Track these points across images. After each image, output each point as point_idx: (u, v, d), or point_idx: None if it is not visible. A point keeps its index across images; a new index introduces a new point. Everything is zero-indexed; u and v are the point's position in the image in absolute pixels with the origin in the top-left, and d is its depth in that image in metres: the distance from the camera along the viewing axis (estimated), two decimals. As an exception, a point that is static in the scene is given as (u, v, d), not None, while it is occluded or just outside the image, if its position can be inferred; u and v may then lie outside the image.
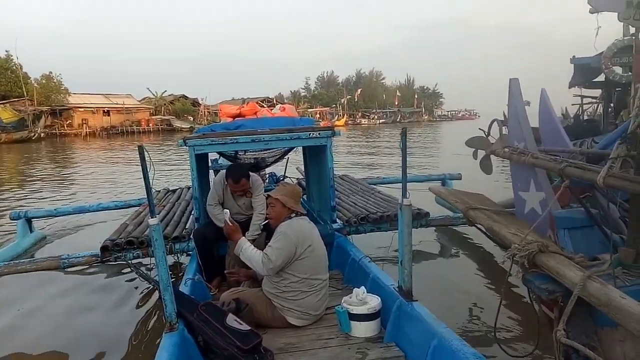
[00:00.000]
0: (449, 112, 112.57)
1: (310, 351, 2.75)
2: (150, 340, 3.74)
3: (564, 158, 2.78)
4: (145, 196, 2.61)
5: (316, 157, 5.14)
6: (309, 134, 4.40)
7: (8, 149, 31.12)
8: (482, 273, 5.29)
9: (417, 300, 2.80)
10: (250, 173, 4.21)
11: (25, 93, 43.70)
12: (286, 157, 7.23)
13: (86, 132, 46.63)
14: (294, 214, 3.17)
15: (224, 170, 4.33)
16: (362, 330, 2.88)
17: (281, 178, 7.70)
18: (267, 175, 7.70)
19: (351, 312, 2.89)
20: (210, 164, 6.56)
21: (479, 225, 3.34)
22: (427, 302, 2.85)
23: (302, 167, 6.91)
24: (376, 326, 2.91)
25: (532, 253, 2.40)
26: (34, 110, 42.54)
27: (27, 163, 21.63)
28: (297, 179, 7.55)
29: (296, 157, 7.63)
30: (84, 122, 49.23)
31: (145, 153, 2.38)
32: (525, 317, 3.85)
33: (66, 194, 12.12)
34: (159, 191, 7.15)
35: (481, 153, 3.74)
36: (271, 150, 6.49)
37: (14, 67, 46.78)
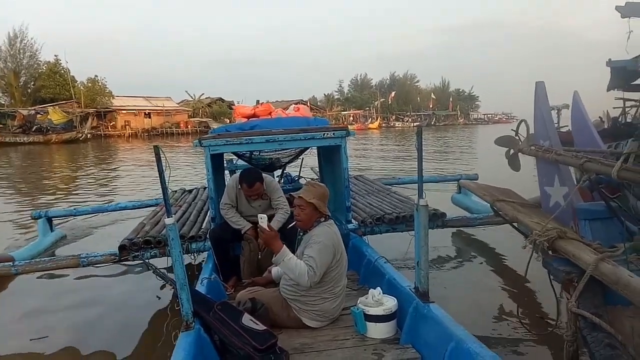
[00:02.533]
0: (486, 115, 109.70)
1: (326, 352, 2.74)
2: (166, 339, 3.77)
3: (584, 154, 2.89)
4: (162, 196, 2.63)
5: (331, 157, 5.13)
6: (323, 134, 4.40)
7: (58, 149, 32.26)
8: (498, 277, 5.22)
9: (434, 302, 2.77)
10: (264, 174, 4.21)
11: (73, 95, 46.10)
12: (301, 157, 7.23)
13: (129, 133, 48.46)
14: (322, 218, 3.09)
15: (237, 174, 4.34)
16: (378, 331, 2.86)
17: (296, 178, 7.70)
18: (282, 176, 7.70)
19: (367, 313, 2.87)
20: (225, 164, 6.60)
21: (503, 215, 3.56)
22: (443, 304, 2.82)
23: (317, 168, 6.91)
24: (392, 327, 2.89)
25: (552, 238, 2.64)
26: (81, 112, 44.64)
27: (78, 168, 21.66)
28: (312, 179, 7.55)
29: (311, 157, 7.63)
30: (127, 123, 51.26)
31: (161, 153, 2.40)
32: (546, 301, 4.07)
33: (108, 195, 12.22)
34: (176, 191, 7.22)
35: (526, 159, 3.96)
36: (286, 151, 6.49)
37: (62, 71, 49.47)
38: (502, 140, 4.03)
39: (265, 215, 3.10)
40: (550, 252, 2.72)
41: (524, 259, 5.32)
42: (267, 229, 3.00)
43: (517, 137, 3.87)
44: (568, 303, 2.44)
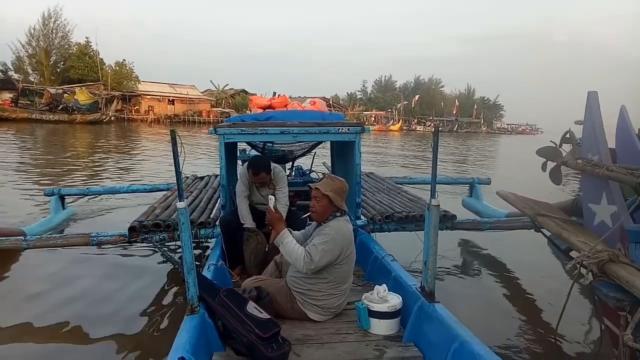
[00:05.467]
0: (509, 125, 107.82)
1: (328, 344, 2.74)
2: (171, 322, 3.81)
3: None
4: (174, 181, 2.65)
5: (344, 152, 5.12)
6: (338, 129, 4.39)
7: (82, 129, 32.66)
8: (507, 283, 5.18)
9: (439, 302, 2.76)
10: (273, 164, 4.23)
11: (100, 78, 46.49)
12: (313, 151, 7.23)
13: (151, 118, 49.00)
14: (338, 212, 3.07)
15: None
16: (382, 327, 2.86)
17: (307, 172, 7.71)
18: (294, 169, 7.71)
19: (371, 309, 2.87)
20: (238, 154, 6.62)
21: (545, 231, 3.43)
22: (449, 306, 2.80)
23: (329, 162, 6.90)
24: (396, 325, 2.89)
25: (602, 261, 2.43)
26: (107, 94, 44.88)
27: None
28: (323, 173, 7.54)
29: (324, 151, 7.62)
30: (150, 109, 51.75)
31: (177, 137, 2.41)
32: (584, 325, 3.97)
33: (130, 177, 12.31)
34: (188, 177, 7.27)
35: (550, 165, 3.75)
36: (299, 143, 6.49)
37: (92, 53, 50.08)
38: (544, 151, 3.81)
39: (273, 197, 3.21)
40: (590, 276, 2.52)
41: (538, 267, 5.26)
42: (274, 210, 3.09)
43: (561, 149, 3.66)
44: (622, 335, 2.23)
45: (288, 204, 4.25)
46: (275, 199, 4.12)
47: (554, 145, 3.74)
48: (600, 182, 3.05)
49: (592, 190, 3.19)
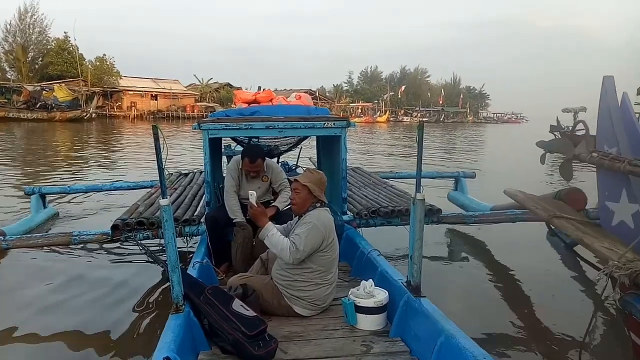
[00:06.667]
0: (495, 115, 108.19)
1: (315, 341, 2.74)
2: (156, 321, 3.76)
3: None
4: (157, 178, 2.60)
5: (329, 147, 5.10)
6: (324, 124, 4.36)
7: (62, 127, 31.96)
8: (493, 276, 5.22)
9: (425, 297, 2.76)
10: (267, 158, 4.21)
11: (80, 74, 45.75)
12: (299, 146, 7.20)
13: (134, 114, 48.15)
14: (318, 203, 3.11)
15: (238, 156, 4.33)
16: (368, 323, 2.86)
17: (293, 167, 7.67)
18: (280, 164, 7.66)
19: (358, 304, 2.87)
20: (223, 150, 6.55)
21: (562, 235, 3.23)
22: (435, 301, 2.80)
23: (315, 157, 6.87)
24: (382, 320, 2.89)
25: (635, 272, 2.13)
26: (87, 90, 44.07)
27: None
28: (309, 169, 7.50)
29: (309, 147, 7.59)
30: (133, 104, 50.91)
31: (160, 134, 2.37)
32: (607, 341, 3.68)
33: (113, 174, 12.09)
34: (172, 174, 7.18)
35: (550, 158, 3.49)
36: (285, 139, 6.46)
37: (71, 49, 49.26)
38: (552, 144, 3.53)
39: (254, 192, 3.24)
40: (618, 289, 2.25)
41: (526, 259, 5.21)
42: (255, 205, 3.14)
43: (570, 142, 3.41)
44: None
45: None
46: (279, 191, 4.13)
47: (558, 137, 3.53)
48: (619, 178, 2.73)
49: (610, 186, 2.87)
